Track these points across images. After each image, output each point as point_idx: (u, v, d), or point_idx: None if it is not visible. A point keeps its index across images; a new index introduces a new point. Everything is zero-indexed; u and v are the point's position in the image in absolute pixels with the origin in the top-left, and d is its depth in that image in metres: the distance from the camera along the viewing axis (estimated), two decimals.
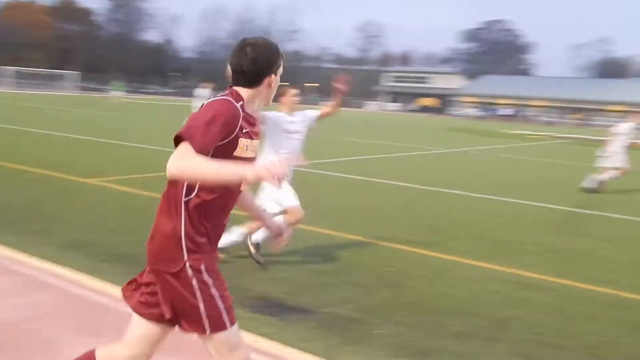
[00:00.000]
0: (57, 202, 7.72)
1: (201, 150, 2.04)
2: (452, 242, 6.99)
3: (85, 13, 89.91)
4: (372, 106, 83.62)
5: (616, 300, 5.30)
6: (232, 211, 2.35)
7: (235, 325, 2.30)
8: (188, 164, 1.99)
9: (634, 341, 4.42)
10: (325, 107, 5.84)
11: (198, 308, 2.21)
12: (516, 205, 10.28)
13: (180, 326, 2.30)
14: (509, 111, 75.81)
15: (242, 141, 2.23)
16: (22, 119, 20.77)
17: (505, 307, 4.90)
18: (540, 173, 16.16)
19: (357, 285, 5.17)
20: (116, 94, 44.03)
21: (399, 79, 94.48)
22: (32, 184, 8.64)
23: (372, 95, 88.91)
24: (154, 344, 2.36)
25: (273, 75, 2.33)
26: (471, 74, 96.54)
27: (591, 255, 6.95)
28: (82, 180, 9.26)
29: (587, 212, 10.05)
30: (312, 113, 5.68)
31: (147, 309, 2.31)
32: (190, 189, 2.20)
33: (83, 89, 61.15)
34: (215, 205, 2.26)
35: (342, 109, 6.19)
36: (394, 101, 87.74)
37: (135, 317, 2.35)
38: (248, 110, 2.30)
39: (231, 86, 2.31)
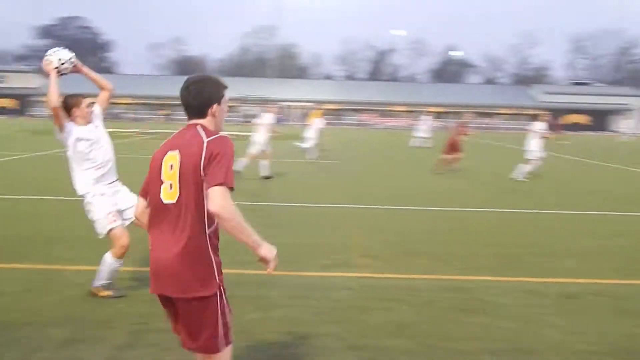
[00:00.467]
0: None
1: None
2: None
3: None
4: None
5: None
6: None
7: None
8: (238, 217, 2.48)
9: None
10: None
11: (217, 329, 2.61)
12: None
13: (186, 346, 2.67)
14: None
15: None
16: None
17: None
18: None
19: None
20: None
21: None
22: None
23: None
24: None
25: (216, 105, 2.76)
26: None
27: None
28: None
29: None
30: (97, 109, 5.38)
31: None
32: (211, 220, 2.62)
33: None
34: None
35: None
36: None
37: None
38: None
39: (189, 119, 2.74)
